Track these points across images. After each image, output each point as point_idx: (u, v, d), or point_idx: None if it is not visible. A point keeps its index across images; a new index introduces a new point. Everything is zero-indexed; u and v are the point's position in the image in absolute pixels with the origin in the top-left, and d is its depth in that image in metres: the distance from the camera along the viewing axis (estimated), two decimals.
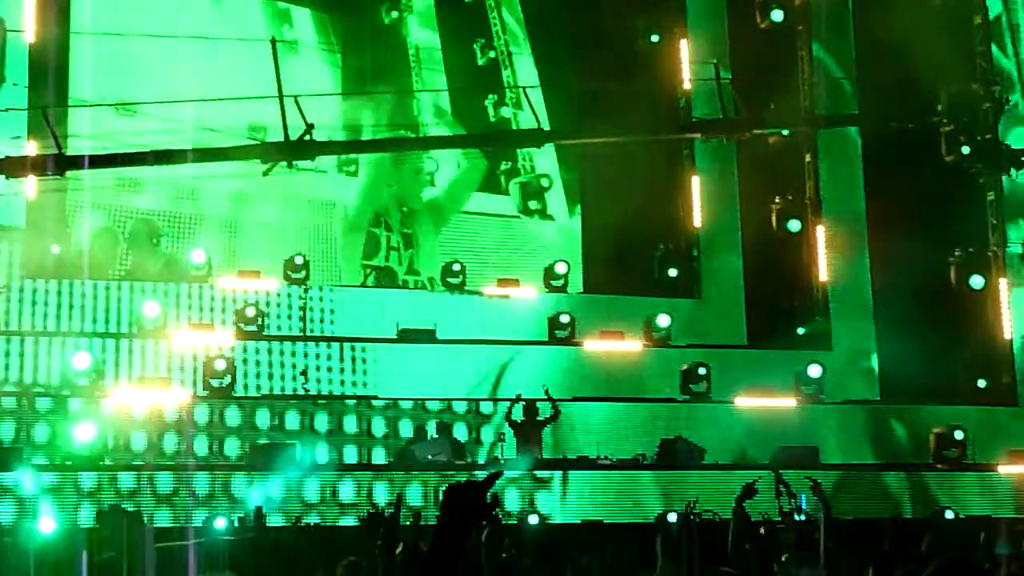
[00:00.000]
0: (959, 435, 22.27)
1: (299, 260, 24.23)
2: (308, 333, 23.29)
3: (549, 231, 27.85)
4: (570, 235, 27.69)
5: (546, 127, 24.04)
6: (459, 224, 27.58)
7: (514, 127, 27.51)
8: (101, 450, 19.60)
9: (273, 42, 19.96)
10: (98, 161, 19.54)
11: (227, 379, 21.42)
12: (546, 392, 21.27)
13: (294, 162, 19.08)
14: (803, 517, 18.28)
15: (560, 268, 25.68)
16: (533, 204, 27.81)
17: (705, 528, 17.22)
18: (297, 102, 18.30)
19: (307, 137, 18.33)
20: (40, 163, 18.60)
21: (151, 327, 22.28)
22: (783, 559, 11.88)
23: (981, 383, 24.52)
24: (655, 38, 27.15)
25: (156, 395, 20.66)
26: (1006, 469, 22.03)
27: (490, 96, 27.84)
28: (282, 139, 18.47)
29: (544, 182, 27.85)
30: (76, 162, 18.87)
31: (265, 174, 19.16)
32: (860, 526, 19.63)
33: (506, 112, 27.97)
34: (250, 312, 22.63)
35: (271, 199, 25.78)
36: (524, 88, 24.71)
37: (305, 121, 18.27)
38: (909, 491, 21.55)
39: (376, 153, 26.54)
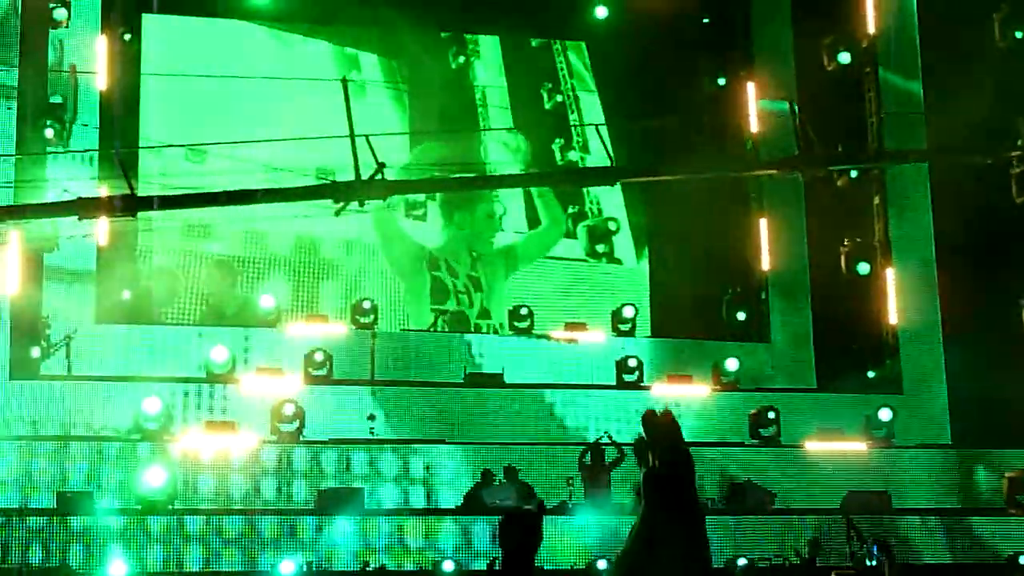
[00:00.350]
0: None
1: (367, 304, 24.35)
2: (376, 377, 23.30)
3: (617, 274, 27.80)
4: (638, 278, 27.65)
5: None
6: (527, 267, 27.59)
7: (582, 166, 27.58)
8: (171, 494, 19.68)
9: (344, 82, 20.02)
10: (169, 202, 19.64)
11: (295, 423, 21.46)
12: (609, 437, 21.22)
13: (365, 202, 18.97)
14: (874, 563, 18.14)
15: (628, 312, 25.61)
16: (600, 247, 27.80)
17: (776, 572, 17.13)
18: (368, 141, 18.24)
19: (379, 176, 18.27)
20: (112, 204, 18.67)
21: (220, 372, 22.40)
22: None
23: None
24: (722, 81, 27.13)
25: (225, 439, 20.74)
26: None
27: (557, 140, 27.89)
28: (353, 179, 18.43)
29: (612, 225, 27.83)
30: (147, 203, 18.96)
31: (337, 214, 19.13)
32: (933, 572, 19.46)
33: (573, 155, 28.01)
34: (318, 357, 22.69)
35: (338, 244, 25.92)
36: (597, 126, 24.69)
37: (376, 160, 18.19)
38: (984, 536, 21.31)
39: (447, 194, 26.61)
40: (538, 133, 27.91)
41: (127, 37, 24.69)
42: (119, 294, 23.47)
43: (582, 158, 27.92)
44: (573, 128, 28.06)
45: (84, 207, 18.66)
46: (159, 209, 19.52)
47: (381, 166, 18.21)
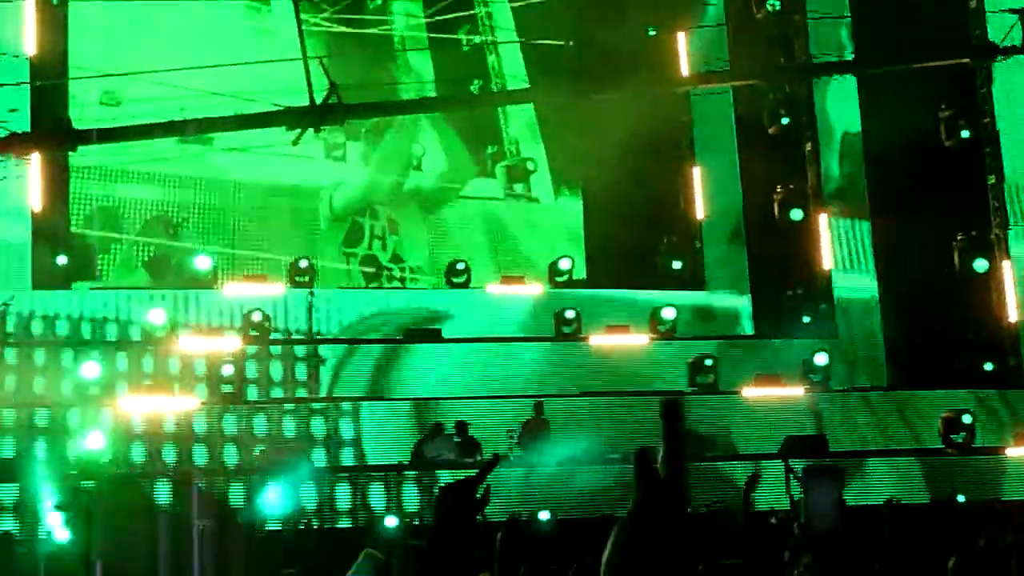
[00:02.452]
0: (967, 419, 22.34)
1: (303, 264, 24.27)
2: (315, 336, 23.29)
3: (536, 213, 27.92)
4: (558, 217, 27.79)
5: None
6: (448, 208, 27.63)
7: (500, 111, 27.57)
8: (112, 458, 19.64)
9: (295, 1, 19.40)
10: (108, 135, 18.96)
11: (235, 384, 21.45)
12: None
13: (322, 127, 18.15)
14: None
15: (564, 264, 25.69)
16: (518, 187, 27.92)
17: (714, 517, 17.31)
18: (323, 63, 17.38)
19: (332, 100, 17.36)
20: (48, 138, 18.02)
21: (158, 334, 22.30)
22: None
23: (988, 366, 24.52)
24: (652, 32, 27.08)
25: (165, 402, 20.71)
26: (1014, 452, 22.11)
27: (476, 81, 27.87)
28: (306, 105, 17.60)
29: (529, 165, 27.93)
30: (85, 136, 18.28)
31: (295, 143, 18.51)
32: (869, 513, 19.71)
33: None
34: (256, 317, 22.64)
35: (258, 186, 25.82)
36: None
37: (330, 79, 17.26)
38: (920, 477, 21.63)
39: (366, 135, 26.36)
40: (456, 75, 27.83)
41: (55, 1, 24.38)
42: (55, 258, 23.30)
43: None
44: (492, 70, 28.03)
45: (18, 143, 17.99)
46: (98, 142, 18.86)
47: (333, 87, 17.31)
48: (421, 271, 26.30)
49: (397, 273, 26.61)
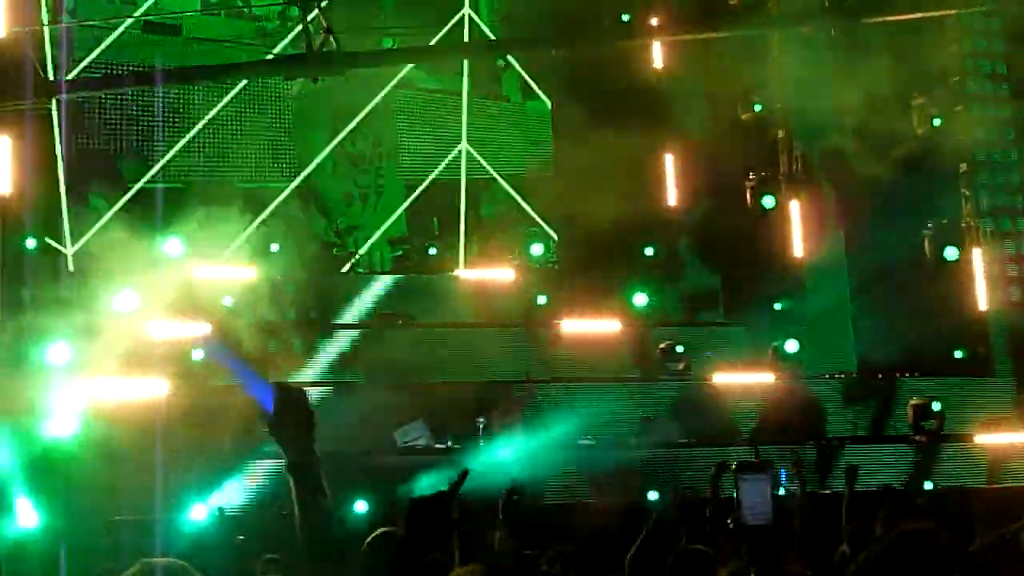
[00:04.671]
0: (936, 406, 22.46)
1: (274, 247, 24.25)
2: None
3: (505, 111, 28.23)
4: (527, 117, 28.30)
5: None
6: (415, 101, 27.70)
7: (469, 5, 27.56)
8: (80, 443, 19.54)
9: None
10: (86, 85, 18.16)
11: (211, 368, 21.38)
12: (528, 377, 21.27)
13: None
14: (782, 491, 18.39)
15: (536, 250, 25.76)
16: (488, 84, 28.03)
17: (687, 505, 17.34)
18: (318, 5, 16.22)
19: (330, 45, 16.15)
20: (15, 89, 17.34)
21: (128, 318, 22.13)
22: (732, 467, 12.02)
23: (957, 354, 24.61)
24: (626, 17, 27.05)
25: (134, 385, 20.60)
26: (982, 439, 22.25)
27: None
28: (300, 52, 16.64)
29: (500, 63, 27.96)
30: (54, 87, 17.50)
31: (296, 98, 17.72)
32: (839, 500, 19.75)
33: None
34: (228, 301, 22.57)
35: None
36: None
37: (326, 25, 16.04)
38: (888, 464, 21.72)
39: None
40: None
41: None
42: (23, 242, 23.08)
43: None
44: None
45: None
46: (71, 93, 18.02)
47: (328, 32, 16.06)
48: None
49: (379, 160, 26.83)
